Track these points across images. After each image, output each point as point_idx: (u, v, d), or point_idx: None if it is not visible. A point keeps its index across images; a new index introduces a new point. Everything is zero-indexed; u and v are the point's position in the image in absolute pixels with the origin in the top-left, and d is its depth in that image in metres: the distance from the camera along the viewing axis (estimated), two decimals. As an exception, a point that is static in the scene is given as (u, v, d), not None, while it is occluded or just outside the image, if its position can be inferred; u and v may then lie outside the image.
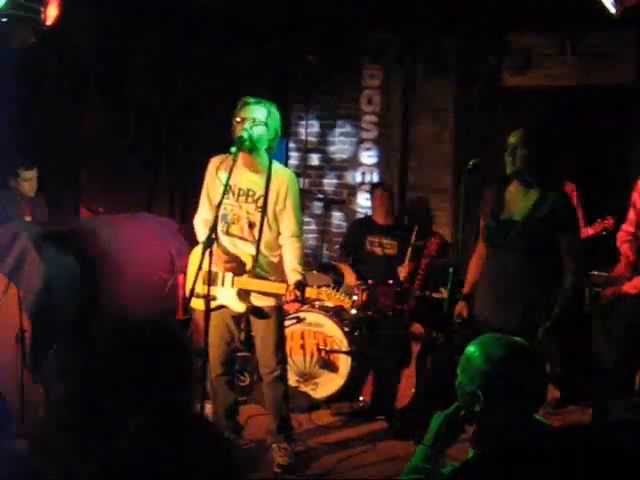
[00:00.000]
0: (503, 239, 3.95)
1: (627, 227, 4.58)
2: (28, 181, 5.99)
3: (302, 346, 5.59)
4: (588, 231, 5.43)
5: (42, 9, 5.17)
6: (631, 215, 4.58)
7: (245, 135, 4.12)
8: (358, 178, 7.46)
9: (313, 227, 7.56)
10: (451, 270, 3.85)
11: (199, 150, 6.98)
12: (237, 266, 4.29)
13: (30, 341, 4.48)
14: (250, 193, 4.31)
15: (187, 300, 4.07)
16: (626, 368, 4.57)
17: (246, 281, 4.28)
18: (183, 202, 7.23)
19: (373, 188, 6.56)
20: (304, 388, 5.55)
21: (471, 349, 2.44)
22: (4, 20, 5.07)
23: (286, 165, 7.40)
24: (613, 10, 3.71)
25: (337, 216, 7.59)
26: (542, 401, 2.45)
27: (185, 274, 4.81)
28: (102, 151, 6.81)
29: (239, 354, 5.35)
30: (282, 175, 4.36)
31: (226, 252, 4.31)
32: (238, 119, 4.22)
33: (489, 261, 4.08)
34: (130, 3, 5.80)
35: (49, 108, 6.27)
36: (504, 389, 2.34)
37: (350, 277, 6.11)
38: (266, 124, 4.21)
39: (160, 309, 5.33)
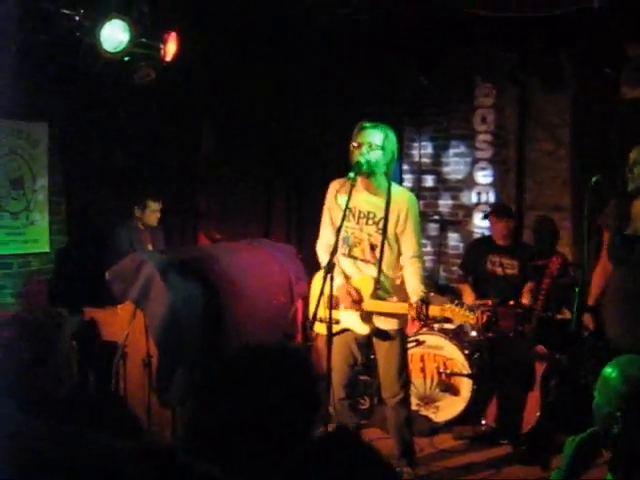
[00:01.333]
0: (628, 255, 3.84)
1: None
2: (155, 212, 6.19)
3: (422, 369, 5.56)
4: None
5: (162, 46, 5.37)
6: None
7: (362, 160, 4.16)
8: (474, 198, 7.37)
9: (429, 249, 7.50)
10: (577, 290, 3.75)
11: (314, 174, 7.08)
12: (357, 298, 4.30)
13: (157, 366, 4.63)
14: (371, 215, 4.33)
15: (310, 325, 4.10)
16: None
17: (370, 303, 4.29)
18: (299, 227, 7.33)
19: (487, 214, 6.44)
20: (425, 412, 5.50)
21: (608, 370, 2.40)
22: (127, 58, 5.28)
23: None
24: None
25: (453, 237, 7.51)
26: None
27: (304, 299, 4.86)
28: (219, 179, 7.00)
29: (360, 377, 5.36)
30: (402, 197, 4.37)
31: (348, 281, 4.32)
32: (355, 144, 4.27)
33: (614, 277, 3.98)
34: (236, 29, 5.94)
35: (169, 140, 6.50)
36: None
37: (469, 297, 6.03)
38: (383, 148, 4.25)
39: (280, 334, 5.40)
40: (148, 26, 5.26)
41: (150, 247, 6.22)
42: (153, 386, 4.61)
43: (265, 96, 6.64)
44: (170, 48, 5.40)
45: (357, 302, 4.27)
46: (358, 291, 4.31)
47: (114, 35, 4.97)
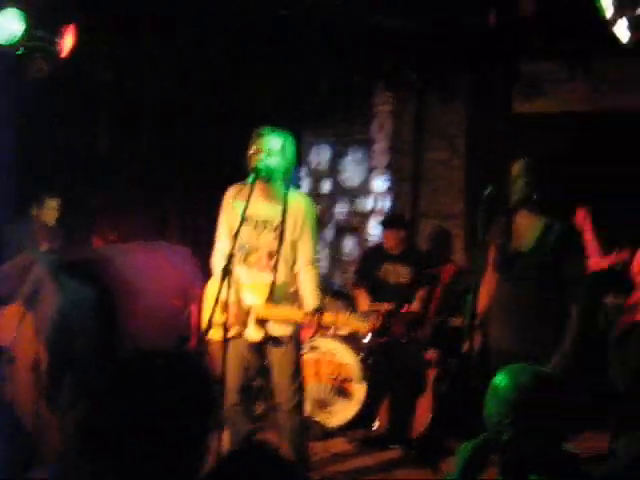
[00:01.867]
0: (511, 270, 3.98)
1: None
2: (52, 210, 6.03)
3: (316, 374, 5.60)
4: (603, 263, 5.41)
5: (58, 41, 5.22)
6: None
7: (261, 165, 4.15)
8: (370, 205, 7.48)
9: (325, 255, 7.57)
10: (469, 297, 3.85)
11: (211, 177, 7.03)
12: (244, 319, 4.31)
13: (46, 370, 4.49)
14: (268, 222, 4.32)
15: (205, 330, 4.06)
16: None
17: (264, 310, 4.28)
18: (195, 230, 7.26)
19: (382, 225, 6.52)
20: (319, 416, 5.54)
21: (499, 379, 2.45)
22: (20, 52, 5.12)
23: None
24: (625, 39, 3.72)
25: (349, 243, 7.61)
26: (571, 430, 2.45)
27: (199, 303, 4.81)
28: (115, 179, 6.86)
29: (254, 383, 5.34)
30: (299, 203, 4.38)
31: (240, 304, 4.31)
32: (253, 149, 4.25)
33: (499, 290, 4.10)
34: (139, 28, 5.85)
35: (64, 137, 6.33)
36: (533, 418, 2.35)
37: (364, 303, 6.09)
38: (281, 154, 4.25)
39: (175, 337, 5.34)
40: (45, 18, 5.10)
41: (45, 246, 6.05)
42: (42, 391, 4.48)
43: (163, 97, 6.55)
44: (67, 42, 5.25)
45: (244, 322, 4.27)
46: (247, 311, 4.29)
47: (7, 26, 4.81)
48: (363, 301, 6.12)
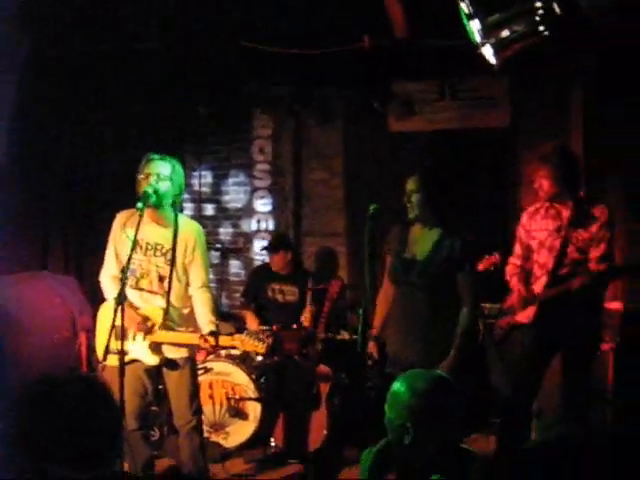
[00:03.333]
0: (406, 277, 4.19)
1: (514, 260, 4.82)
2: None
3: (211, 396, 5.61)
4: (478, 267, 5.67)
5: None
6: (517, 249, 4.82)
7: (150, 190, 4.19)
8: (253, 226, 7.58)
9: (212, 276, 7.55)
10: (361, 311, 4.01)
11: (93, 204, 6.94)
12: (148, 326, 4.32)
13: None
14: (158, 247, 4.36)
15: (103, 357, 4.04)
16: (524, 395, 4.80)
17: (159, 334, 4.30)
18: (78, 256, 7.13)
19: (267, 250, 6.59)
20: (215, 438, 5.55)
21: (397, 385, 2.60)
22: None
23: (180, 216, 7.43)
24: (493, 62, 3.96)
25: (235, 264, 7.67)
26: (465, 428, 2.62)
27: (86, 332, 4.78)
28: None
29: (151, 408, 5.32)
30: (189, 228, 4.45)
31: (136, 311, 4.32)
32: (143, 175, 4.29)
33: (396, 299, 4.29)
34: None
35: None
36: (431, 419, 2.51)
37: (253, 323, 6.16)
38: (171, 179, 4.31)
39: (65, 369, 5.26)
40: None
41: None
42: None
43: (45, 119, 6.44)
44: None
45: (146, 328, 4.29)
46: (147, 318, 4.31)
47: None
48: (252, 321, 6.19)
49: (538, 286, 4.62)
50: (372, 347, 4.33)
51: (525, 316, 4.64)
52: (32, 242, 6.92)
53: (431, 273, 4.14)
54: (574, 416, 4.58)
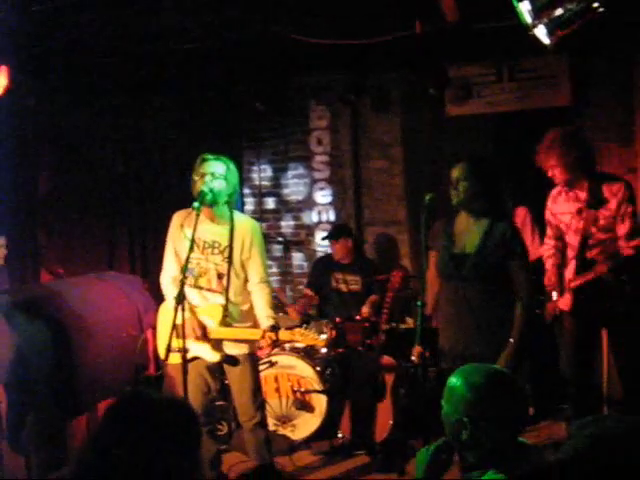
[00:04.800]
0: (459, 271, 4.07)
1: (548, 241, 4.86)
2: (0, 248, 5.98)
3: (277, 389, 5.65)
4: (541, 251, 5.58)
5: (-10, 82, 5.22)
6: (548, 231, 4.87)
7: (206, 189, 4.23)
8: (315, 218, 7.58)
9: (274, 270, 7.64)
10: (419, 303, 3.96)
11: (155, 203, 7.06)
12: (205, 334, 4.37)
13: (6, 411, 4.47)
14: (216, 245, 4.40)
15: (165, 356, 4.10)
16: (581, 379, 4.75)
17: (219, 331, 4.35)
18: (143, 256, 7.27)
19: (326, 238, 6.63)
20: (282, 431, 5.59)
21: (453, 380, 2.56)
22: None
23: (242, 211, 7.49)
24: (547, 42, 3.87)
25: (297, 257, 7.69)
26: (525, 422, 2.56)
27: (153, 329, 4.84)
28: (59, 213, 6.83)
29: (216, 403, 5.38)
30: (245, 224, 4.48)
31: (196, 318, 4.36)
32: (198, 175, 4.34)
33: (445, 294, 4.17)
34: (73, 64, 5.86)
35: (3, 176, 6.29)
36: (488, 414, 2.46)
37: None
38: (226, 178, 4.34)
39: (132, 367, 5.35)
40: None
41: (-5, 288, 5.99)
42: (3, 432, 4.45)
43: (103, 130, 6.57)
44: (0, 82, 5.26)
45: (202, 337, 4.33)
46: (202, 325, 4.35)
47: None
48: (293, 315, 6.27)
49: (569, 271, 4.63)
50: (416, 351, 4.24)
51: (564, 304, 4.65)
52: (99, 244, 7.08)
53: (484, 265, 4.01)
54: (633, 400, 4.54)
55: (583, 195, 4.54)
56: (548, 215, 4.84)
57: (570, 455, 1.69)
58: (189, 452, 1.99)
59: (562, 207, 4.69)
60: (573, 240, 4.62)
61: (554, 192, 4.77)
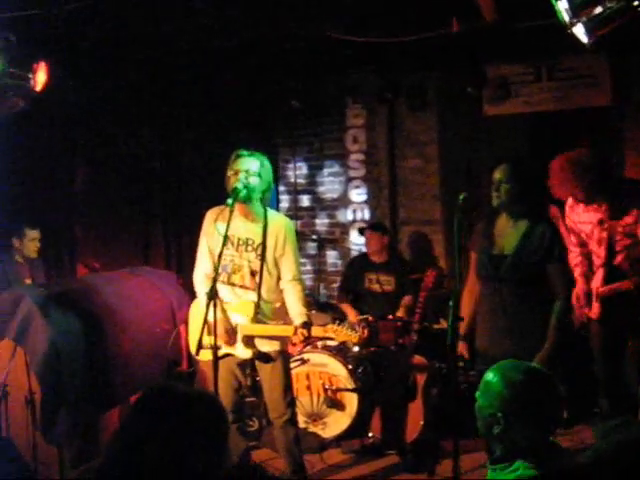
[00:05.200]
0: (496, 272, 4.08)
1: (573, 248, 4.80)
2: (33, 241, 6.03)
3: (308, 387, 5.64)
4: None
5: (31, 76, 5.28)
6: (572, 238, 4.81)
7: (240, 186, 4.23)
8: (349, 216, 7.58)
9: (308, 267, 7.64)
10: (451, 303, 3.93)
11: (190, 199, 7.11)
12: (232, 337, 4.37)
13: (40, 403, 4.52)
14: (249, 242, 4.40)
15: (196, 352, 4.12)
16: (612, 385, 4.74)
17: (251, 327, 4.35)
18: (178, 252, 7.32)
19: (363, 230, 6.66)
20: (313, 428, 5.58)
21: (490, 375, 2.57)
22: (-6, 89, 5.17)
23: (277, 208, 7.51)
24: (586, 40, 3.82)
25: (331, 255, 7.68)
26: (559, 423, 2.57)
27: (186, 325, 4.86)
28: (95, 208, 6.91)
29: (247, 400, 5.40)
30: (278, 222, 4.47)
31: (227, 320, 4.37)
32: (232, 171, 4.34)
33: (484, 294, 4.20)
34: (109, 60, 5.91)
35: (41, 170, 6.38)
36: (523, 411, 2.46)
37: (352, 315, 6.20)
38: (259, 175, 4.34)
39: (165, 362, 5.38)
40: (17, 55, 5.15)
41: (28, 281, 6.06)
42: (37, 424, 4.51)
43: (138, 126, 6.62)
44: (40, 77, 5.30)
45: (231, 340, 4.35)
46: (233, 329, 4.36)
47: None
48: (351, 314, 6.22)
49: (597, 279, 4.60)
50: (462, 348, 4.26)
51: (593, 313, 4.64)
52: (135, 240, 7.16)
53: (522, 266, 4.04)
54: None
55: (604, 206, 4.51)
56: (569, 223, 4.81)
57: (594, 458, 1.68)
58: (217, 446, 1.98)
59: (582, 217, 4.67)
60: (597, 249, 4.60)
61: (570, 201, 4.75)
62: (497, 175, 4.07)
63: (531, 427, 2.46)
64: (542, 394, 2.51)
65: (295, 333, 4.27)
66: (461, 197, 4.01)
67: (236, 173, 4.32)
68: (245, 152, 4.38)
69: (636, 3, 3.62)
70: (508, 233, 4.13)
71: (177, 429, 1.91)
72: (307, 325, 4.28)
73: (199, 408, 1.99)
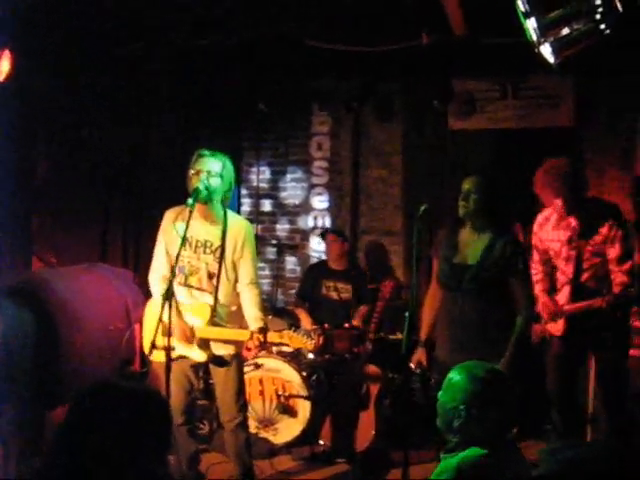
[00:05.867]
0: (458, 283, 4.12)
1: (535, 266, 4.84)
2: None
3: (261, 392, 5.62)
4: None
5: (-6, 66, 5.19)
6: (535, 255, 4.87)
7: (201, 186, 4.20)
8: (310, 223, 7.57)
9: (267, 272, 7.61)
10: (407, 314, 3.94)
11: (152, 199, 7.03)
12: (192, 337, 4.34)
13: (-15, 398, 4.44)
14: (208, 244, 4.37)
15: (149, 353, 4.08)
16: (564, 401, 4.80)
17: (207, 330, 4.32)
18: (136, 251, 7.24)
19: (325, 234, 6.66)
20: (264, 434, 5.56)
21: (454, 373, 2.71)
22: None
23: (239, 211, 7.47)
24: (552, 60, 3.86)
25: (291, 261, 7.67)
26: (514, 423, 2.74)
27: (141, 324, 4.81)
28: (53, 200, 6.80)
29: (198, 402, 5.35)
30: (238, 225, 4.44)
31: (183, 320, 4.33)
32: (193, 171, 4.30)
33: (444, 304, 4.23)
34: (73, 46, 5.84)
35: (1, 160, 6.27)
36: (484, 405, 2.59)
37: (306, 321, 6.18)
38: (221, 176, 4.31)
39: (118, 361, 5.32)
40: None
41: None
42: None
43: (105, 121, 6.54)
44: (3, 67, 5.22)
45: (190, 339, 4.31)
46: (191, 329, 4.32)
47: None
48: (306, 321, 6.21)
49: (562, 296, 4.66)
50: (420, 354, 4.28)
51: (556, 329, 4.69)
52: (93, 235, 7.05)
53: (483, 278, 4.08)
54: (616, 424, 4.56)
55: (574, 223, 4.56)
56: (535, 240, 4.87)
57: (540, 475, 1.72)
58: (160, 444, 1.95)
59: (551, 234, 4.73)
60: (564, 267, 4.65)
61: (540, 218, 4.82)
62: (466, 185, 4.11)
63: (490, 422, 2.59)
64: (503, 391, 2.66)
65: (251, 338, 4.25)
66: (422, 208, 4.05)
67: (197, 173, 4.28)
68: (207, 152, 4.34)
69: (603, 26, 3.67)
70: (471, 244, 4.17)
71: (115, 424, 1.87)
72: (263, 330, 4.26)
73: (143, 404, 1.96)
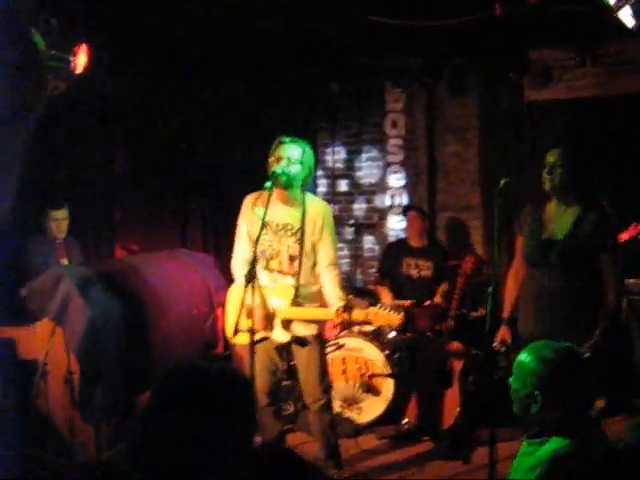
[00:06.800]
0: (545, 258, 4.01)
1: None
2: (56, 221, 5.84)
3: (344, 372, 5.64)
4: (623, 236, 5.40)
5: (72, 58, 5.31)
6: None
7: (279, 170, 4.23)
8: (387, 201, 7.53)
9: (345, 252, 7.62)
10: (490, 289, 3.89)
11: (229, 183, 7.12)
12: (270, 321, 4.37)
13: (78, 382, 4.58)
14: (288, 227, 4.40)
15: (232, 336, 4.14)
16: None
17: (291, 311, 4.35)
18: (216, 237, 7.34)
19: (406, 210, 6.62)
20: (348, 413, 5.58)
21: (523, 355, 2.61)
22: (35, 71, 5.20)
23: (315, 193, 7.48)
24: (631, 24, 3.76)
25: (368, 240, 7.65)
26: (593, 399, 2.67)
27: (223, 308, 4.88)
28: (134, 190, 6.95)
29: (283, 383, 5.41)
30: (317, 206, 4.46)
31: (264, 309, 4.36)
32: (274, 158, 4.34)
33: (530, 280, 4.14)
34: (152, 44, 5.92)
35: (81, 151, 6.43)
36: (558, 387, 2.49)
37: (387, 298, 6.16)
38: (301, 162, 4.33)
39: (202, 344, 5.42)
40: (57, 38, 5.18)
41: (65, 261, 6.06)
42: (75, 402, 4.56)
43: (178, 109, 6.63)
44: (80, 60, 5.33)
45: (271, 325, 4.35)
46: (271, 315, 4.36)
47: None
48: (386, 297, 6.19)
49: None
50: (504, 332, 4.20)
51: None
52: (172, 223, 7.19)
53: (573, 252, 3.96)
54: None
55: None
56: None
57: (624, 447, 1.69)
58: (245, 424, 1.97)
59: None
60: None
61: None
62: (551, 158, 3.99)
63: (567, 404, 2.50)
64: (575, 370, 2.55)
65: (337, 315, 4.25)
66: (502, 182, 3.97)
67: (278, 160, 4.32)
68: (287, 139, 4.37)
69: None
70: (558, 218, 4.05)
71: (205, 406, 1.89)
72: (348, 308, 4.27)
73: (228, 386, 1.97)
